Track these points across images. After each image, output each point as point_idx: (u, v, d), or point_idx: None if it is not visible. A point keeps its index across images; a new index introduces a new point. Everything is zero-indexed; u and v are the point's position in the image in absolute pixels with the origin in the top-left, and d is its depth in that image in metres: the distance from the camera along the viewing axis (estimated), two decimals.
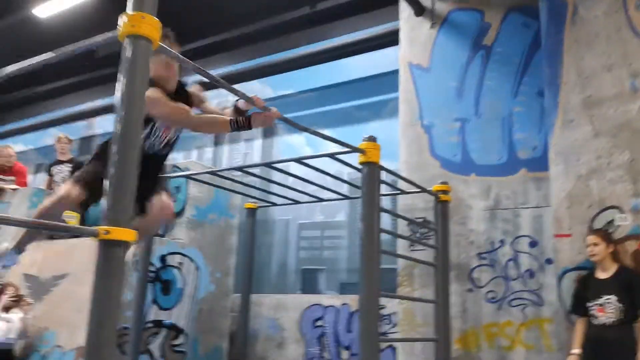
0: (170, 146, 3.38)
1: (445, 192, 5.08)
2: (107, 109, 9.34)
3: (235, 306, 6.82)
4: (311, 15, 7.97)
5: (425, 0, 5.88)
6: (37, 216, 3.19)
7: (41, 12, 8.45)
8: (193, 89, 3.49)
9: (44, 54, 2.58)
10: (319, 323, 6.69)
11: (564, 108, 4.63)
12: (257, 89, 8.64)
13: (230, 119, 2.98)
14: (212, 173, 5.08)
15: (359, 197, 4.08)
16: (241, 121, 2.96)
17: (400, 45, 6.04)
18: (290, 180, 5.48)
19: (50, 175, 7.56)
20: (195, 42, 8.77)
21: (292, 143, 7.49)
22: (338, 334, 6.51)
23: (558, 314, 4.54)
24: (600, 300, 3.98)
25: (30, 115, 12.32)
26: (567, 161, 4.56)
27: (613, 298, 3.94)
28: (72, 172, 7.37)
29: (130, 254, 5.62)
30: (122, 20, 2.25)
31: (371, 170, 3.97)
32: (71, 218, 6.55)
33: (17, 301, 5.49)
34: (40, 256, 6.47)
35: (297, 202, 5.94)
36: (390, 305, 6.09)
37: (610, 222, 4.30)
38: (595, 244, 4.08)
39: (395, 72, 6.11)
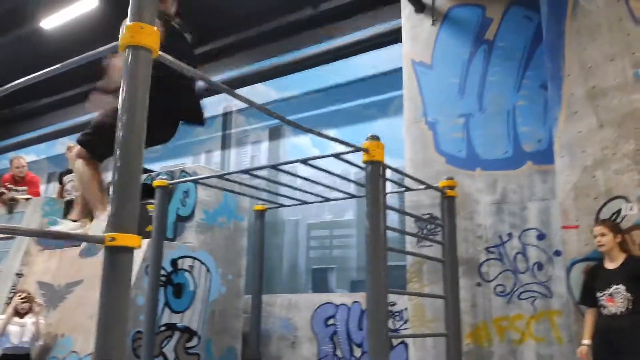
0: None
1: (451, 187, 5.08)
2: None
3: (248, 307, 6.88)
4: (314, 16, 8.01)
5: None
6: None
7: (47, 24, 8.58)
8: None
9: (51, 67, 2.63)
10: (330, 321, 6.73)
11: (568, 100, 4.62)
12: (262, 91, 8.70)
13: None
14: (220, 177, 5.13)
15: (364, 196, 4.10)
16: None
17: (402, 43, 6.06)
18: (298, 182, 5.52)
19: (62, 184, 7.67)
20: (199, 47, 8.84)
21: (298, 144, 7.54)
22: (350, 332, 6.55)
23: (567, 306, 4.54)
24: (609, 291, 3.98)
25: (41, 125, 12.48)
26: (572, 153, 4.56)
27: (622, 288, 3.93)
28: None
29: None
30: (121, 30, 2.30)
31: (375, 168, 3.99)
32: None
33: (29, 305, 5.58)
34: (54, 264, 6.58)
35: (304, 202, 5.98)
36: (400, 301, 6.13)
37: (617, 213, 4.29)
38: (602, 235, 4.07)
39: (400, 70, 6.13)
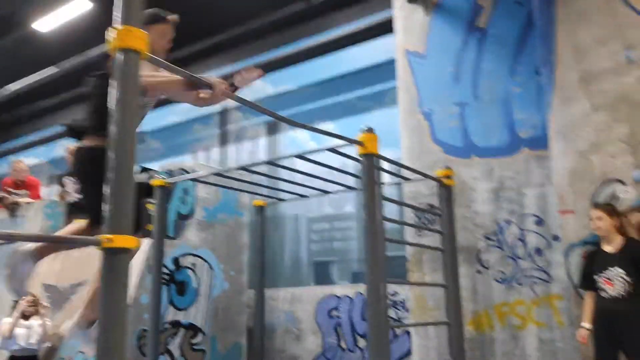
0: None
1: (448, 176, 5.11)
2: None
3: (251, 302, 6.93)
4: (307, 10, 8.00)
5: None
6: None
7: (41, 26, 8.58)
8: None
9: (46, 69, 2.67)
10: (334, 313, 6.78)
11: (561, 85, 4.64)
12: (258, 86, 8.71)
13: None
14: (218, 174, 5.16)
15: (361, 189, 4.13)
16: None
17: (395, 34, 6.06)
18: (298, 176, 5.54)
19: (63, 186, 7.70)
20: (193, 44, 8.86)
21: (296, 138, 7.56)
22: (354, 323, 6.60)
23: (567, 290, 4.57)
24: (608, 274, 4.01)
25: (40, 128, 12.51)
26: (567, 138, 4.58)
27: (620, 271, 3.96)
28: None
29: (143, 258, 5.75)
30: (111, 34, 2.33)
31: (370, 161, 4.02)
32: None
33: (35, 308, 5.64)
34: (58, 265, 6.63)
35: (304, 196, 6.01)
36: (402, 291, 6.17)
37: (614, 196, 4.32)
38: (599, 218, 4.10)
39: (394, 61, 6.13)
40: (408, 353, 5.85)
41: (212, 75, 7.57)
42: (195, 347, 6.12)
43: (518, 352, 4.87)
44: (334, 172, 5.06)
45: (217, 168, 6.91)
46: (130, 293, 2.48)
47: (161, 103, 9.73)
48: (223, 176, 5.21)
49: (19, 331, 5.48)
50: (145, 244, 5.11)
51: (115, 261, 2.14)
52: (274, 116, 3.37)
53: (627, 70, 4.33)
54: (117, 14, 2.34)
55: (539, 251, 4.92)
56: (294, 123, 3.58)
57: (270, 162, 5.00)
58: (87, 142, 3.07)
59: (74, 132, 3.09)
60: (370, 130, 4.06)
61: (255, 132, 8.61)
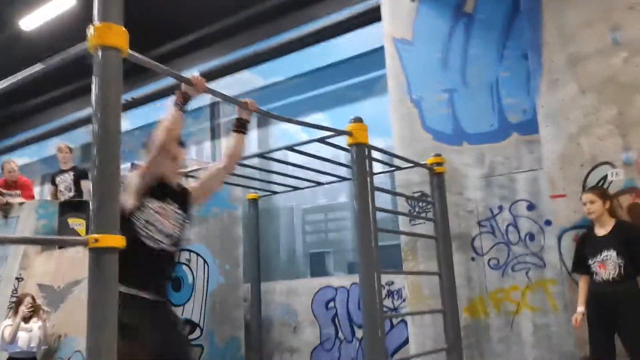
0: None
1: (439, 164, 5.09)
2: None
3: (248, 296, 6.94)
4: (293, 0, 7.95)
5: None
6: None
7: (26, 24, 8.51)
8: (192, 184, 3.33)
9: (33, 67, 2.63)
10: (331, 304, 6.79)
11: (549, 68, 4.63)
12: (247, 78, 8.67)
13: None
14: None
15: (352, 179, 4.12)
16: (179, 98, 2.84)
17: (383, 21, 6.02)
18: (290, 168, 5.53)
19: (55, 185, 7.67)
20: (181, 38, 8.80)
21: (287, 130, 7.53)
22: (350, 313, 6.62)
23: (561, 274, 4.59)
24: (601, 257, 4.02)
25: (31, 127, 12.44)
26: (556, 122, 4.58)
27: (613, 253, 3.97)
28: (75, 180, 7.49)
29: None
30: (89, 31, 2.29)
31: (360, 151, 4.00)
32: (79, 226, 6.69)
33: (35, 311, 5.63)
34: (53, 265, 6.61)
35: (296, 188, 6.00)
36: (398, 280, 6.18)
37: (604, 179, 4.33)
38: (591, 202, 4.10)
39: (382, 48, 6.10)
40: (406, 342, 5.87)
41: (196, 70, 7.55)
42: (192, 342, 6.13)
43: (514, 338, 4.89)
44: (327, 163, 5.06)
45: (208, 163, 6.89)
46: None
47: (154, 98, 9.69)
48: None
49: (20, 335, 5.47)
50: None
51: (102, 261, 2.13)
52: (258, 112, 3.34)
53: (614, 52, 4.32)
54: (95, 10, 2.31)
55: (531, 236, 4.94)
56: (278, 117, 3.56)
57: (262, 155, 4.98)
58: None
59: None
60: (358, 120, 4.04)
61: None
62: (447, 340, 4.73)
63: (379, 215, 4.17)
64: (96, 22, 2.29)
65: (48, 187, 8.62)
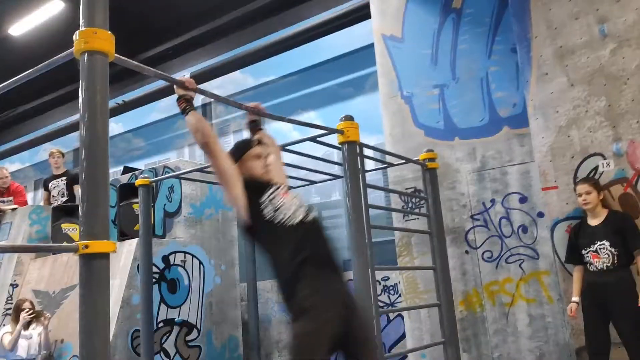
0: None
1: (431, 159, 5.11)
2: None
3: (245, 295, 6.94)
4: (283, 0, 7.95)
5: None
6: None
7: (15, 30, 8.48)
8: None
9: (24, 74, 2.62)
10: None
11: (537, 62, 4.65)
12: (239, 79, 8.67)
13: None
14: (201, 170, 5.13)
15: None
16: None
17: (372, 19, 6.03)
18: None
19: (48, 190, 7.66)
20: (170, 41, 8.79)
21: (280, 129, 7.50)
22: None
23: (554, 266, 4.62)
24: (594, 247, 4.05)
25: (22, 133, 12.40)
26: (546, 114, 4.60)
27: (606, 243, 4.00)
28: (67, 185, 7.48)
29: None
30: (75, 37, 2.29)
31: (351, 149, 4.01)
32: (73, 231, 6.68)
33: (36, 317, 5.61)
34: (47, 271, 6.60)
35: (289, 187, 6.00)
36: (394, 275, 6.20)
37: (595, 170, 4.35)
38: (587, 193, 4.12)
39: (373, 46, 6.11)
40: (403, 336, 5.90)
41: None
42: (190, 343, 6.13)
43: (509, 329, 4.92)
44: (319, 161, 5.07)
45: (201, 164, 6.88)
46: None
47: (146, 100, 9.68)
48: (207, 172, 5.19)
49: (20, 342, 5.45)
50: None
51: (92, 267, 2.13)
52: (241, 107, 3.34)
53: (602, 44, 4.34)
54: (81, 16, 2.31)
55: (524, 229, 4.96)
56: (269, 116, 3.56)
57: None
58: None
59: None
60: (349, 118, 4.05)
61: (238, 125, 8.56)
62: (443, 333, 4.75)
63: (373, 211, 4.18)
64: (81, 27, 2.29)
65: (41, 193, 8.60)
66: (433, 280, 4.92)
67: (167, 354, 5.85)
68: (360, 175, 4.02)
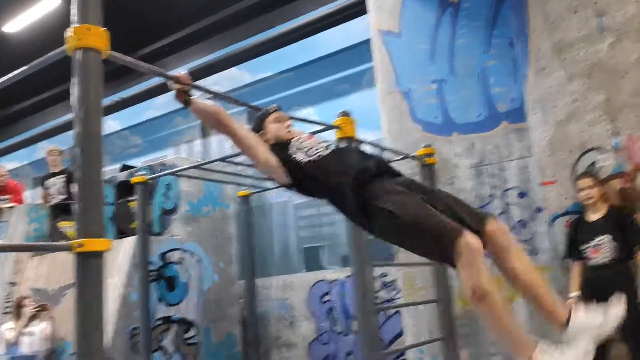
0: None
1: (429, 155, 5.08)
2: None
3: (243, 293, 6.94)
4: None
5: None
6: None
7: (10, 28, 8.44)
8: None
9: (19, 70, 2.60)
10: (326, 298, 6.80)
11: (535, 56, 4.62)
12: (235, 75, 8.65)
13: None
14: (198, 167, 5.12)
15: None
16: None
17: (369, 13, 6.00)
18: None
19: (46, 188, 7.63)
20: (167, 37, 8.75)
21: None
22: (346, 306, 6.63)
23: (553, 261, 4.60)
24: (594, 242, 4.04)
25: (20, 131, 12.37)
26: (544, 109, 4.57)
27: (606, 238, 3.99)
28: (66, 183, 7.45)
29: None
30: (68, 33, 2.27)
31: (348, 144, 3.99)
32: (71, 229, 6.66)
33: (40, 310, 5.60)
34: (45, 269, 6.59)
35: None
36: (392, 272, 6.19)
37: (593, 164, 4.33)
38: (590, 187, 4.11)
39: (369, 41, 6.08)
40: (402, 333, 5.89)
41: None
42: (189, 341, 6.13)
43: None
44: None
45: (198, 161, 6.87)
46: None
47: (143, 97, 9.64)
48: (204, 169, 5.18)
49: (23, 339, 5.44)
50: None
51: (87, 265, 2.12)
52: (249, 106, 3.33)
53: (600, 37, 4.31)
54: (74, 12, 2.28)
55: (523, 224, 4.95)
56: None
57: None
58: None
59: None
60: (346, 114, 4.03)
61: (236, 121, 8.56)
62: (442, 330, 4.74)
63: None
64: (75, 24, 2.27)
65: (39, 191, 8.57)
66: (431, 277, 4.90)
67: (165, 352, 5.84)
68: None
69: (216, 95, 3.29)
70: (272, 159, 2.62)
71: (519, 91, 4.94)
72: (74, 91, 2.24)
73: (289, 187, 2.73)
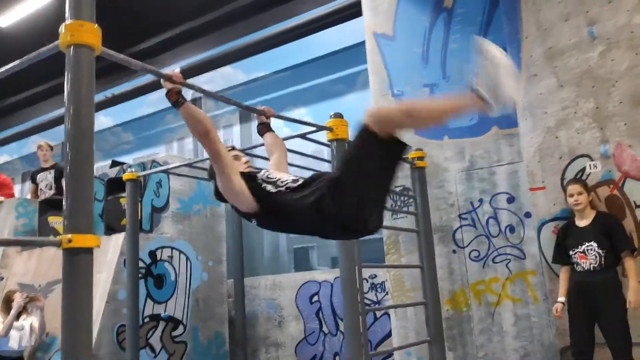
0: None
1: (420, 158, 5.12)
2: None
3: (232, 292, 6.94)
4: None
5: None
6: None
7: (4, 21, 8.38)
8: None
9: (8, 66, 2.58)
10: (315, 298, 6.81)
11: (527, 63, 4.66)
12: (229, 74, 8.64)
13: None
14: (189, 165, 5.11)
15: None
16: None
17: (364, 16, 6.02)
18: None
19: (35, 183, 7.59)
20: (161, 34, 8.72)
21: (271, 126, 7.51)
22: (334, 307, 6.64)
23: (541, 266, 4.64)
24: (582, 248, 4.08)
25: (10, 125, 12.27)
26: (535, 115, 4.61)
27: (594, 244, 4.03)
28: (55, 178, 7.41)
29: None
30: (61, 30, 2.26)
31: (340, 146, 4.00)
32: (60, 224, 6.63)
33: (30, 300, 5.55)
34: (33, 264, 6.56)
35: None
36: (381, 273, 6.21)
37: (582, 171, 4.38)
38: (579, 193, 4.15)
39: (364, 43, 6.10)
40: (390, 334, 5.91)
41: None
42: (176, 339, 6.12)
43: (495, 329, 4.95)
44: (309, 158, 5.06)
45: (190, 159, 6.86)
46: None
47: (135, 94, 9.61)
48: (195, 167, 5.17)
49: (12, 333, 5.38)
50: None
51: (76, 261, 2.11)
52: (241, 106, 3.34)
53: (591, 46, 4.36)
54: (67, 8, 2.28)
55: (511, 229, 4.99)
56: (255, 110, 3.53)
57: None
58: None
59: None
60: (339, 115, 4.04)
61: (228, 120, 8.54)
62: (429, 332, 4.77)
63: None
64: (68, 20, 2.27)
65: (28, 185, 8.52)
66: (420, 279, 4.93)
67: (152, 349, 5.83)
68: None
69: (208, 94, 3.28)
70: (242, 184, 2.62)
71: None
72: (66, 87, 2.24)
73: (251, 215, 2.70)
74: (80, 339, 2.08)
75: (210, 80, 8.60)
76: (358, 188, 2.36)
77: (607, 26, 4.31)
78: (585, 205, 4.14)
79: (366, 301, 5.12)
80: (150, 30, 8.76)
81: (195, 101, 8.99)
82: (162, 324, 5.97)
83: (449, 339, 5.08)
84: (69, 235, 2.09)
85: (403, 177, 5.45)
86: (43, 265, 6.40)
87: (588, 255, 4.04)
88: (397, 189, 5.49)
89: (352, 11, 6.96)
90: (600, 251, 4.00)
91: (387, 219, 5.54)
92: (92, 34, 2.28)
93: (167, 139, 9.37)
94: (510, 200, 5.01)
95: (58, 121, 10.87)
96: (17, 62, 2.55)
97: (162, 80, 2.70)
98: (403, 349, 5.15)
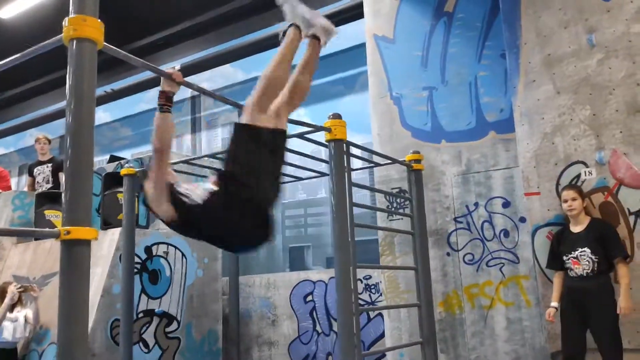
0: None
1: (417, 161, 5.16)
2: None
3: (226, 289, 6.95)
4: None
5: None
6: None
7: (6, 13, 8.40)
8: None
9: (10, 58, 2.60)
10: (309, 298, 6.83)
11: (525, 69, 4.70)
12: (229, 72, 8.65)
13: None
14: (187, 162, 5.13)
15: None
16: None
17: (365, 18, 6.05)
18: None
19: (32, 176, 7.60)
20: (162, 31, 8.74)
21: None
22: (328, 307, 6.67)
23: (534, 270, 4.68)
24: (575, 253, 4.11)
25: (8, 118, 12.27)
26: (532, 121, 4.65)
27: (587, 250, 4.06)
28: (53, 172, 7.43)
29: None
30: (64, 24, 2.28)
31: (338, 147, 4.03)
32: (56, 217, 6.64)
33: (24, 290, 5.54)
34: (29, 256, 6.56)
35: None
36: (376, 274, 6.24)
37: (577, 177, 4.41)
38: (573, 199, 4.18)
39: (364, 45, 6.13)
40: (383, 335, 5.94)
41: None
42: (170, 335, 6.13)
43: (487, 332, 4.98)
44: (307, 158, 5.09)
45: (187, 156, 6.87)
46: None
47: (135, 90, 9.61)
48: (193, 164, 5.19)
49: (5, 325, 5.38)
50: None
51: (74, 253, 2.13)
52: (232, 104, 3.36)
53: (589, 54, 4.40)
54: (71, 3, 2.30)
55: (506, 233, 5.02)
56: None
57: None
58: None
59: None
60: (337, 116, 4.07)
61: (227, 118, 8.56)
62: (422, 333, 4.81)
63: (357, 210, 4.20)
64: (71, 14, 2.29)
65: (25, 178, 8.52)
66: (414, 281, 4.97)
67: (146, 345, 5.84)
68: (345, 174, 4.04)
69: (206, 93, 3.31)
70: (169, 205, 2.60)
71: (508, 102, 5.01)
72: (68, 81, 2.26)
73: (171, 222, 2.64)
74: (76, 331, 2.09)
75: (210, 79, 8.63)
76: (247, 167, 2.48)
77: (605, 34, 4.35)
78: (579, 211, 4.18)
79: (360, 302, 5.14)
80: (151, 27, 8.78)
81: (195, 99, 9.03)
82: (156, 320, 5.98)
83: (442, 341, 5.11)
84: (68, 227, 2.11)
85: (400, 179, 5.48)
86: (39, 258, 6.40)
87: (581, 261, 4.07)
88: (394, 191, 5.52)
89: (353, 13, 7.00)
90: (593, 257, 4.03)
91: (383, 220, 5.58)
92: (95, 28, 2.30)
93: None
94: (506, 204, 5.04)
95: (56, 115, 10.87)
96: (19, 54, 2.57)
97: (161, 79, 2.73)
98: (396, 349, 5.18)
